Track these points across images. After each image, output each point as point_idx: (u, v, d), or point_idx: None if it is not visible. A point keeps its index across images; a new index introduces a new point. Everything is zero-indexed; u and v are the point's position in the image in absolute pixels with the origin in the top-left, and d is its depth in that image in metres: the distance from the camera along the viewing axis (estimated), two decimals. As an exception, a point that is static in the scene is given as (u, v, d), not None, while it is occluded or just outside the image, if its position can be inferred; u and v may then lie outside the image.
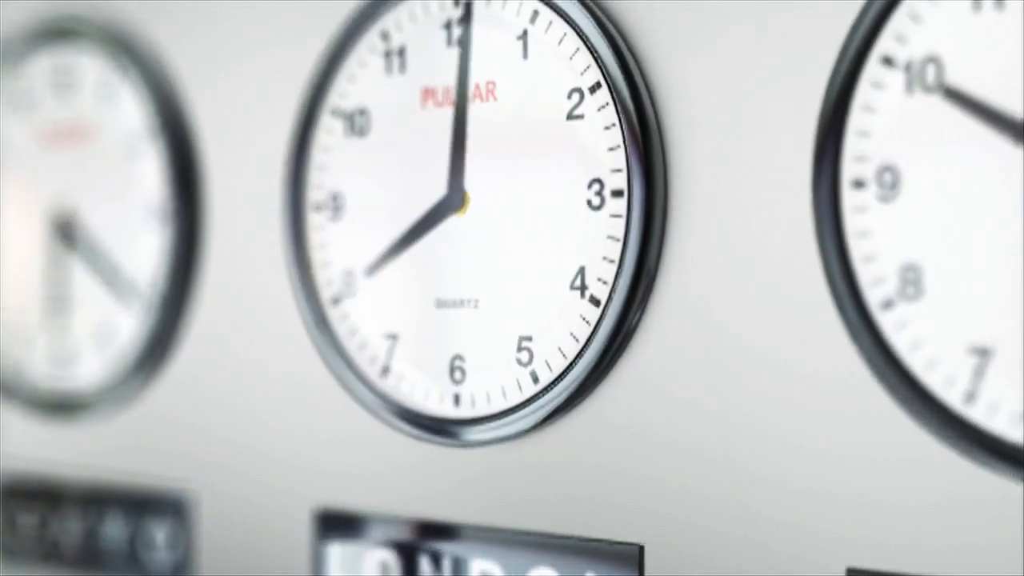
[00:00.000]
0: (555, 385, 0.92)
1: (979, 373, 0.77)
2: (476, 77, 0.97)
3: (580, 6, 0.92)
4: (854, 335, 0.81)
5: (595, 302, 0.91)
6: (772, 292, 0.85)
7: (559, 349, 0.92)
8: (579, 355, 0.91)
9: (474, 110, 0.97)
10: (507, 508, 0.97)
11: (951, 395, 0.78)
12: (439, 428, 0.98)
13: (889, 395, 0.80)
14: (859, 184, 0.81)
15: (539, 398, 0.93)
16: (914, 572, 0.80)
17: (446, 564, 0.99)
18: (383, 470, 1.04)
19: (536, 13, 0.94)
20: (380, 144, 1.03)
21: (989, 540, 0.77)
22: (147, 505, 1.19)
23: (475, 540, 0.98)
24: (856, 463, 0.82)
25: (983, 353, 0.77)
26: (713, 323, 0.87)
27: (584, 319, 0.91)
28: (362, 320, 1.04)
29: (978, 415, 0.77)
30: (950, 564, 0.78)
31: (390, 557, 1.03)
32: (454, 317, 0.98)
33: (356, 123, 1.04)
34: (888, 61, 0.80)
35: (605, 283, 0.90)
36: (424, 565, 1.01)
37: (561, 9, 0.92)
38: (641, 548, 0.90)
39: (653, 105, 0.90)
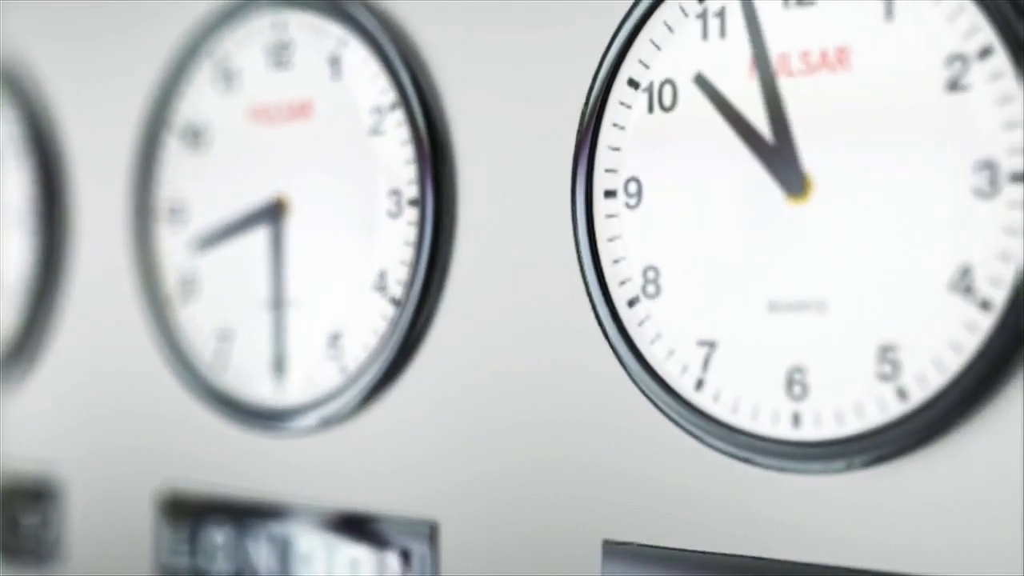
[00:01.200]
0: (361, 377, 1.01)
1: (706, 363, 0.86)
2: (298, 96, 1.06)
3: (384, 32, 1.01)
4: (605, 329, 0.90)
5: (394, 301, 1.00)
6: (540, 291, 0.94)
7: (364, 344, 1.01)
8: (381, 349, 1.00)
9: (295, 127, 1.06)
10: (326, 489, 1.06)
11: (683, 383, 0.87)
12: (266, 419, 1.08)
13: (635, 384, 0.88)
14: (610, 194, 0.90)
15: (348, 389, 1.02)
16: (663, 544, 0.88)
17: (275, 542, 1.08)
18: (220, 457, 1.13)
19: (346, 40, 1.03)
20: (217, 158, 1.12)
21: (726, 514, 0.86)
22: (18, 492, 1.28)
23: (300, 518, 1.07)
24: (609, 444, 0.91)
25: (710, 345, 0.86)
26: (494, 318, 0.96)
27: (384, 317, 1.00)
28: (205, 321, 1.13)
29: (705, 401, 0.86)
30: (696, 538, 0.87)
31: (223, 536, 1.11)
32: (278, 316, 1.07)
33: (195, 139, 1.13)
34: (633, 83, 0.89)
35: (402, 284, 0.99)
36: (255, 542, 1.10)
37: (367, 35, 1.02)
38: (434, 525, 0.99)
39: (444, 124, 0.99)
